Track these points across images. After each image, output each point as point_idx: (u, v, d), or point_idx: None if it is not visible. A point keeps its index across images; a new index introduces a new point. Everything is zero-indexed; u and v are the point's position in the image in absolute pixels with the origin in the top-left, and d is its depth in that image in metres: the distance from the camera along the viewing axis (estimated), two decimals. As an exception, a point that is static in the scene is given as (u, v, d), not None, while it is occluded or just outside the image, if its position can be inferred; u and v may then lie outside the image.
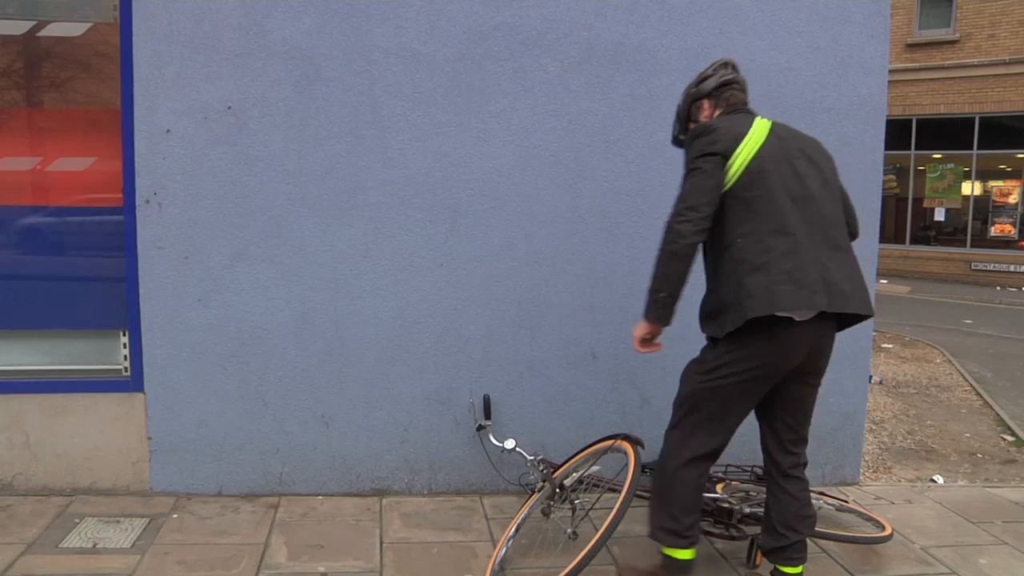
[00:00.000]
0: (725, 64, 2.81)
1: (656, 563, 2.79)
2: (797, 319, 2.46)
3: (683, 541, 2.68)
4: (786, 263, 2.46)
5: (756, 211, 2.50)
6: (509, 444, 3.42)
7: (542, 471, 3.29)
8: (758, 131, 2.59)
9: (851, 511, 3.56)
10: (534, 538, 3.18)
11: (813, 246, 2.51)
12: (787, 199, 2.52)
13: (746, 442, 3.02)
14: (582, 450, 3.27)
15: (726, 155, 2.53)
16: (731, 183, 2.53)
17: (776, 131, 2.64)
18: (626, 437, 3.05)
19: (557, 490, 3.16)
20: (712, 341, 2.68)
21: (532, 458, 3.37)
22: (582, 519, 3.07)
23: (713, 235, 2.58)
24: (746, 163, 2.52)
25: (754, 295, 2.45)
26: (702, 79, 2.80)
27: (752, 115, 2.73)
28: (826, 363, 2.74)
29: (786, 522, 2.76)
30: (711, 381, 2.61)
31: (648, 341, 2.69)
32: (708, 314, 2.66)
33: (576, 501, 3.10)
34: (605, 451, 3.16)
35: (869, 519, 3.47)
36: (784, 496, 2.77)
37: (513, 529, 3.12)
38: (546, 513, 3.16)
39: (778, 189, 2.52)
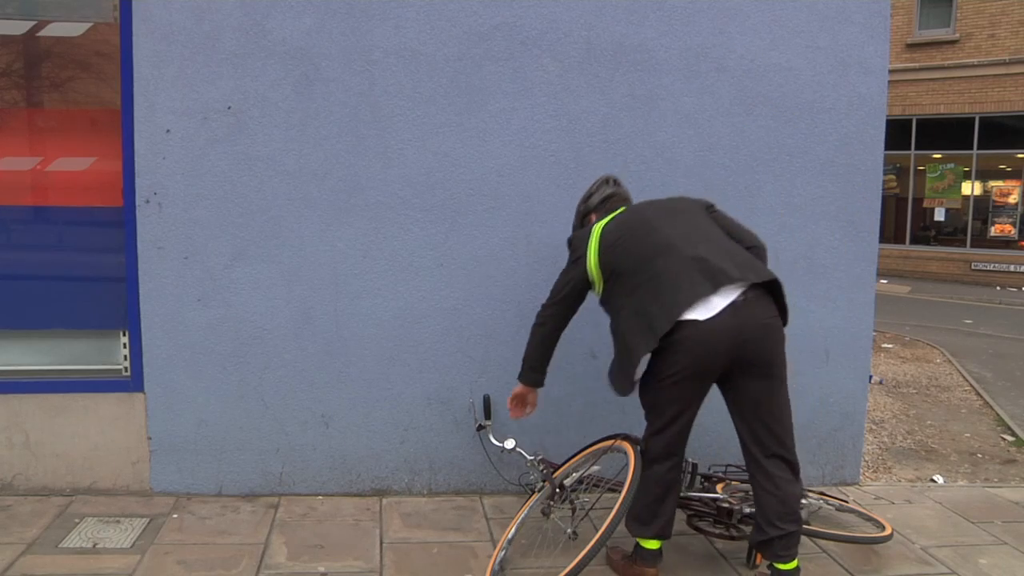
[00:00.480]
0: (607, 181, 3.25)
1: (629, 550, 3.03)
2: (701, 318, 2.65)
3: (648, 531, 2.91)
4: (667, 284, 2.73)
5: (625, 274, 2.85)
6: (509, 444, 3.41)
7: (542, 471, 3.28)
8: (597, 228, 3.00)
9: (851, 511, 3.56)
10: (534, 538, 3.18)
11: (682, 259, 2.75)
12: (647, 247, 2.83)
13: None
14: (582, 450, 3.27)
15: (583, 256, 2.99)
16: (594, 270, 2.95)
17: (618, 217, 3.01)
18: (626, 437, 3.05)
19: (557, 490, 3.16)
20: (652, 354, 2.85)
21: (532, 458, 3.36)
22: (582, 519, 3.06)
23: (611, 307, 2.96)
24: (597, 251, 2.93)
25: (657, 317, 2.72)
26: (588, 196, 3.25)
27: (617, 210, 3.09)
28: (772, 353, 2.77)
29: (766, 517, 2.79)
30: (655, 388, 2.84)
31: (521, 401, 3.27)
32: (622, 358, 2.91)
33: (576, 501, 3.09)
34: (605, 451, 3.16)
35: (869, 519, 3.47)
36: (763, 492, 2.81)
37: (513, 529, 3.12)
38: (546, 513, 3.16)
39: (636, 245, 2.86)
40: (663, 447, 2.88)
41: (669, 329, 2.67)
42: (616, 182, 3.24)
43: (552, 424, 3.86)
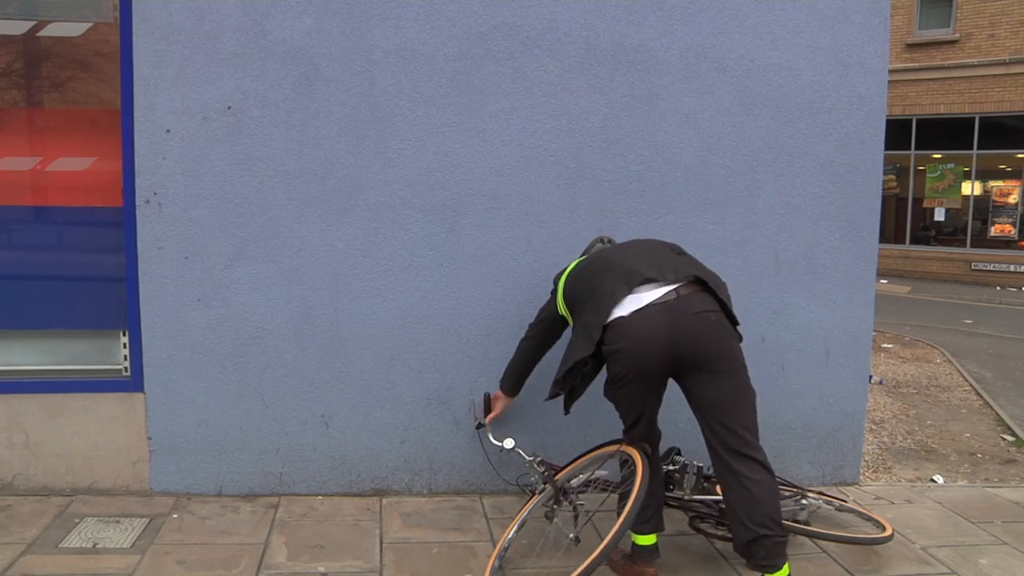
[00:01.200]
0: (600, 240, 3.38)
1: (628, 550, 3.06)
2: (625, 313, 2.74)
3: (643, 527, 2.96)
4: (601, 296, 2.86)
5: (577, 302, 2.99)
6: (508, 444, 3.39)
7: (543, 473, 3.26)
8: (570, 266, 3.17)
9: (851, 511, 3.56)
10: (535, 540, 3.17)
11: (615, 274, 2.87)
12: (596, 274, 2.95)
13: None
14: (585, 453, 3.25)
15: (555, 290, 3.19)
16: (561, 304, 3.11)
17: (589, 257, 3.17)
18: (631, 442, 3.02)
19: (560, 494, 3.11)
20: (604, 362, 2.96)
21: (531, 459, 3.34)
22: (584, 524, 3.05)
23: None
24: (564, 286, 3.11)
25: (592, 325, 2.84)
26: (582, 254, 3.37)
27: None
28: (715, 346, 2.77)
29: (738, 519, 2.72)
30: (611, 391, 2.93)
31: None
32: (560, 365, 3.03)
33: (579, 505, 3.05)
34: (610, 456, 3.13)
35: (869, 519, 3.47)
36: (730, 492, 2.76)
37: (513, 531, 3.11)
38: (549, 516, 3.11)
39: (590, 275, 2.99)
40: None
41: (600, 333, 2.79)
42: (610, 240, 3.38)
43: (552, 424, 3.86)
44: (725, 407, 2.77)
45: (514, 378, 3.47)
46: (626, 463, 3.01)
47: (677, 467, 3.29)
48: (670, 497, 3.25)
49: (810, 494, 3.48)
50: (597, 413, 3.85)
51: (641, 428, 2.99)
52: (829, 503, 3.55)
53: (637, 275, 2.82)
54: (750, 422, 2.79)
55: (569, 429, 3.86)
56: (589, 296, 2.92)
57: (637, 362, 2.77)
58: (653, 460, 2.97)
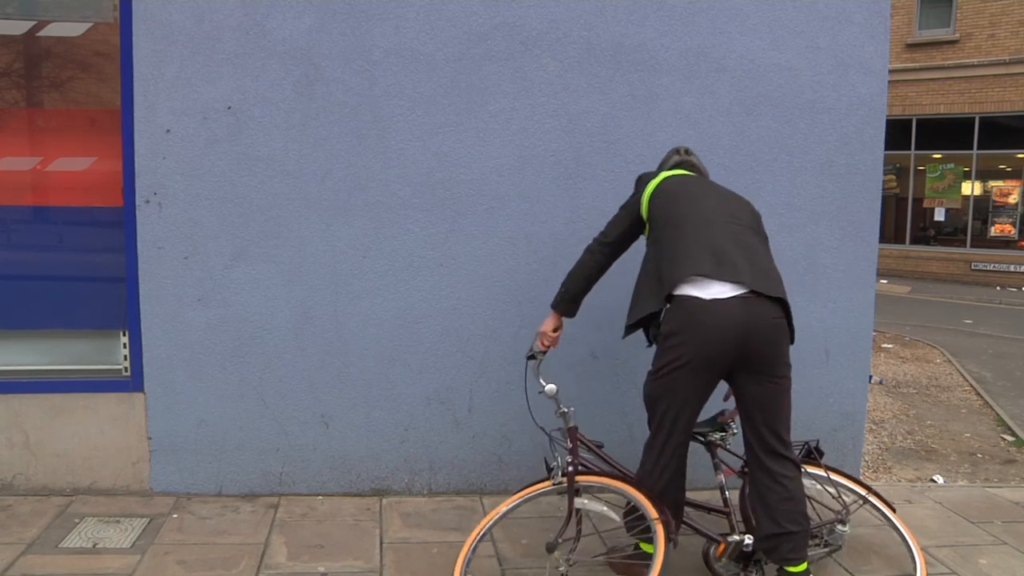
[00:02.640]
0: (677, 151, 3.20)
1: (629, 549, 3.03)
2: (704, 296, 2.63)
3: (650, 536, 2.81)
4: (683, 252, 2.73)
5: (660, 225, 2.86)
6: (551, 388, 2.99)
7: (567, 466, 2.90)
8: (663, 174, 3.01)
9: (893, 526, 3.25)
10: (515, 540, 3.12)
11: (706, 238, 2.74)
12: (688, 212, 2.83)
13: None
14: (610, 471, 3.01)
15: (642, 192, 2.99)
16: (644, 209, 2.95)
17: (683, 177, 3.01)
18: (659, 507, 2.76)
19: (572, 504, 2.86)
20: (653, 343, 2.85)
21: (565, 426, 2.97)
22: (572, 561, 2.83)
23: (645, 254, 2.95)
24: (651, 194, 2.94)
25: (664, 279, 2.72)
26: (659, 166, 3.19)
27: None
28: (778, 353, 2.73)
29: (773, 517, 2.73)
30: (660, 380, 2.76)
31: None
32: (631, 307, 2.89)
33: (579, 528, 2.87)
34: (632, 507, 2.88)
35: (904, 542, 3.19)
36: (768, 492, 2.76)
37: (496, 516, 2.88)
38: (551, 548, 2.78)
39: (682, 204, 2.87)
40: (671, 446, 2.77)
41: (663, 301, 2.69)
42: (687, 151, 3.19)
43: (552, 424, 3.85)
44: (771, 410, 2.76)
45: (577, 299, 3.09)
46: (634, 511, 2.84)
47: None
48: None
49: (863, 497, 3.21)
50: (597, 413, 3.86)
51: (674, 444, 2.76)
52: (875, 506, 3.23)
53: (727, 263, 2.67)
54: (788, 424, 2.83)
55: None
56: (672, 238, 2.77)
57: (702, 351, 2.64)
58: (670, 529, 2.74)
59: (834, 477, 3.18)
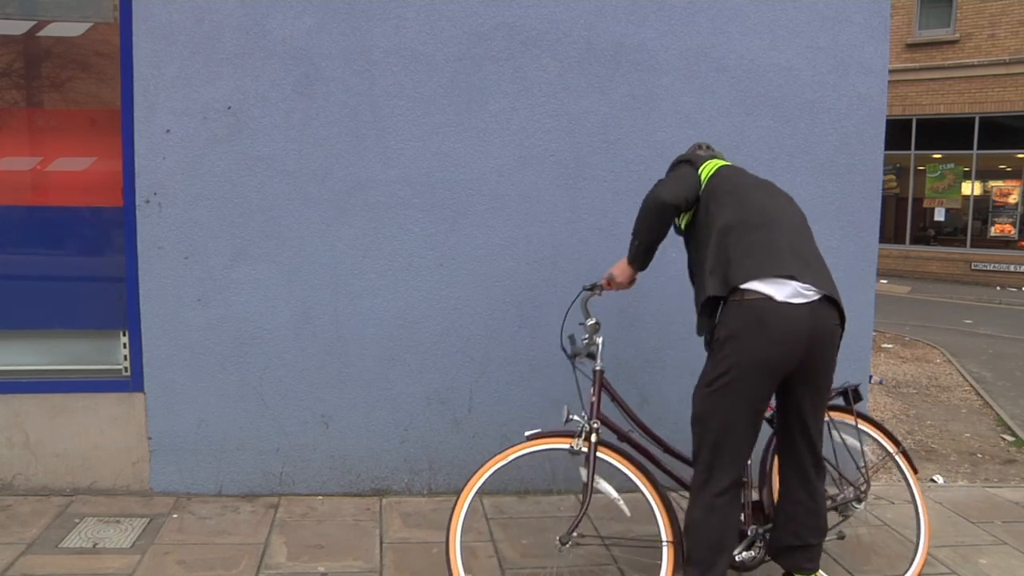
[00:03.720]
0: (700, 146, 3.05)
1: None
2: (778, 297, 2.42)
3: None
4: (760, 246, 2.52)
5: (723, 211, 2.62)
6: (591, 322, 2.86)
7: (589, 424, 2.71)
8: (716, 162, 2.82)
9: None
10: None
11: (782, 238, 2.56)
12: (756, 207, 2.65)
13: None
14: (635, 463, 2.77)
15: (697, 165, 2.78)
16: (704, 184, 2.73)
17: (734, 168, 2.86)
18: (676, 528, 2.61)
19: (593, 451, 2.66)
20: (708, 349, 2.63)
21: (595, 367, 2.83)
22: (572, 540, 2.61)
23: (694, 239, 2.73)
24: (711, 172, 2.74)
25: (734, 266, 2.49)
26: (683, 158, 2.95)
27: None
28: (831, 363, 2.63)
29: (795, 528, 2.66)
30: (714, 394, 2.50)
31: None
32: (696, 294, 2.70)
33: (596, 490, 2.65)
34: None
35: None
36: (795, 502, 2.67)
37: (497, 466, 2.68)
38: (564, 541, 2.59)
39: (747, 196, 2.68)
40: (730, 473, 2.52)
41: (739, 288, 2.44)
42: (709, 146, 3.06)
43: (552, 424, 3.85)
44: (815, 418, 2.64)
45: (648, 250, 2.81)
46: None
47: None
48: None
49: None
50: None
51: (732, 478, 2.52)
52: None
53: (804, 265, 2.49)
54: (822, 441, 2.73)
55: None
56: (744, 228, 2.54)
57: (766, 356, 2.42)
58: (723, 499, 2.52)
59: (864, 427, 3.06)
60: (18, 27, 3.57)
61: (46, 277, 3.72)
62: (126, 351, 3.67)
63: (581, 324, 2.92)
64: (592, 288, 2.99)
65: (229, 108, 3.57)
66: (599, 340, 2.87)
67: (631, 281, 2.92)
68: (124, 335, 3.68)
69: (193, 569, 3.00)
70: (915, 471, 3.16)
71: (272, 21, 3.56)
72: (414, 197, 3.71)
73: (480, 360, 3.82)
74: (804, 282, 2.45)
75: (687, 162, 2.81)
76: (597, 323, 2.89)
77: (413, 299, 3.76)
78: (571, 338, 2.94)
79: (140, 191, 3.55)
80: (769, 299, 2.42)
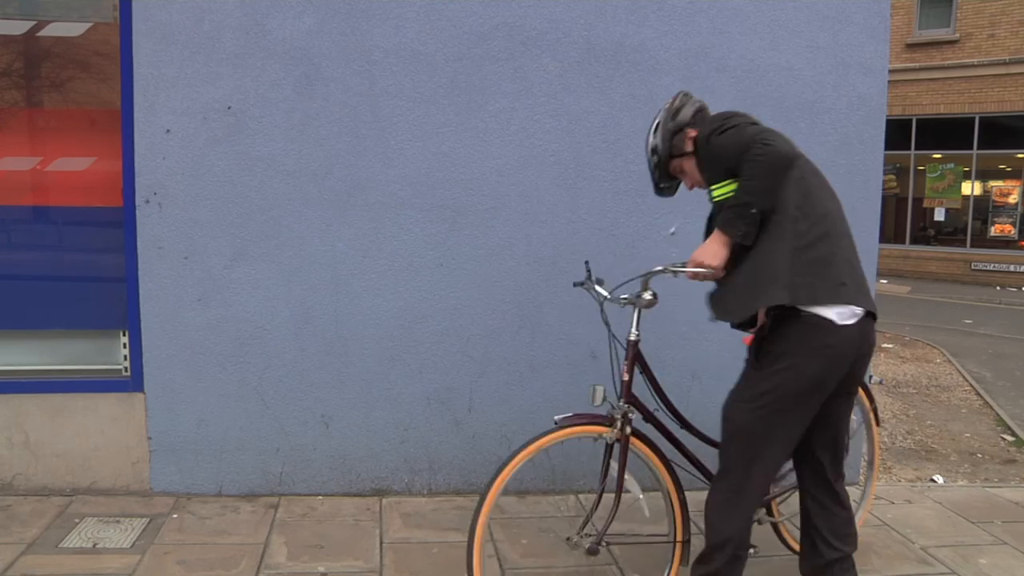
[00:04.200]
0: (686, 94, 2.70)
1: None
2: (838, 321, 2.35)
3: None
4: (837, 266, 2.41)
5: (802, 206, 2.41)
6: (648, 296, 2.60)
7: (620, 408, 2.56)
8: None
9: None
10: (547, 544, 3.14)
11: (851, 253, 2.46)
12: (830, 207, 2.52)
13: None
14: (663, 460, 2.69)
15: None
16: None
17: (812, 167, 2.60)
18: (688, 527, 2.59)
19: (624, 439, 2.54)
20: (755, 363, 2.49)
21: (632, 336, 2.62)
22: (599, 534, 2.55)
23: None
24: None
25: (805, 287, 2.34)
26: (674, 112, 2.63)
27: None
28: (865, 373, 2.60)
29: (825, 539, 2.60)
30: (763, 409, 2.42)
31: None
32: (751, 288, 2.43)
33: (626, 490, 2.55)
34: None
35: None
36: (826, 512, 2.62)
37: (521, 462, 2.52)
38: (570, 540, 2.55)
39: (821, 191, 2.51)
40: (760, 490, 2.50)
41: (804, 309, 2.32)
42: (691, 94, 2.71)
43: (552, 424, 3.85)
44: (843, 430, 2.60)
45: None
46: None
47: None
48: None
49: None
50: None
51: (761, 494, 2.52)
52: None
53: (860, 284, 2.43)
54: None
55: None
56: (817, 237, 2.38)
57: (821, 375, 2.37)
58: (751, 513, 2.51)
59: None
60: (18, 27, 3.57)
61: (46, 277, 3.72)
62: (126, 351, 3.67)
63: (626, 296, 2.63)
64: (671, 272, 2.51)
65: (229, 108, 3.57)
66: (639, 310, 2.58)
67: (724, 267, 2.43)
68: (124, 335, 3.68)
69: (193, 569, 3.00)
70: (879, 424, 3.19)
71: (272, 21, 3.56)
72: (414, 197, 3.71)
73: (480, 360, 3.82)
74: (856, 304, 2.40)
75: (753, 123, 2.48)
76: (654, 299, 2.57)
77: (413, 299, 3.76)
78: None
79: (140, 191, 3.55)
80: (831, 323, 2.35)
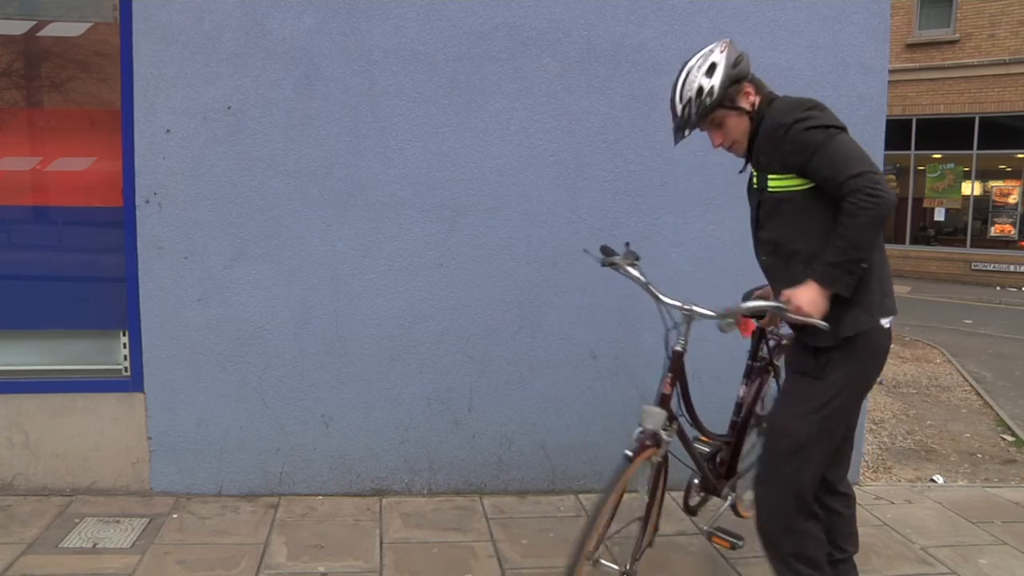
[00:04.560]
0: (732, 43, 2.54)
1: None
2: (886, 325, 2.42)
3: None
4: (887, 275, 2.51)
5: None
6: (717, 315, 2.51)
7: (663, 422, 2.49)
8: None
9: None
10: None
11: (888, 274, 2.52)
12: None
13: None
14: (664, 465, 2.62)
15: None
16: None
17: None
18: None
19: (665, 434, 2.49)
20: (814, 375, 2.40)
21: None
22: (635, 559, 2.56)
23: (813, 227, 2.34)
24: None
25: (879, 303, 2.38)
26: (736, 60, 2.47)
27: None
28: None
29: (834, 541, 2.62)
30: (826, 416, 2.37)
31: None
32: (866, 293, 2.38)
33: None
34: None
35: None
36: (834, 514, 2.65)
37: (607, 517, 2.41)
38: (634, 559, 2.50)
39: None
40: (812, 493, 2.47)
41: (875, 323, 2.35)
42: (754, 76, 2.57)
43: (552, 424, 3.86)
44: (852, 429, 2.65)
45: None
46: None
47: None
48: None
49: None
50: (597, 414, 3.87)
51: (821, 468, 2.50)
52: None
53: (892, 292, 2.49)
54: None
55: (568, 429, 3.86)
56: (880, 253, 2.43)
57: (872, 383, 2.51)
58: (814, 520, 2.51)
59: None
60: (18, 27, 3.57)
61: (46, 277, 3.72)
62: (126, 351, 3.67)
63: (691, 309, 2.52)
64: (766, 310, 2.43)
65: (229, 108, 3.57)
66: (692, 320, 2.50)
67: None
68: (124, 335, 3.68)
69: (193, 569, 3.00)
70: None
71: (272, 21, 3.56)
72: (414, 197, 3.71)
73: (480, 360, 3.82)
74: (894, 310, 2.50)
75: (842, 129, 2.38)
76: (732, 322, 2.48)
77: (413, 299, 3.76)
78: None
79: (140, 191, 3.55)
80: (885, 329, 2.42)
